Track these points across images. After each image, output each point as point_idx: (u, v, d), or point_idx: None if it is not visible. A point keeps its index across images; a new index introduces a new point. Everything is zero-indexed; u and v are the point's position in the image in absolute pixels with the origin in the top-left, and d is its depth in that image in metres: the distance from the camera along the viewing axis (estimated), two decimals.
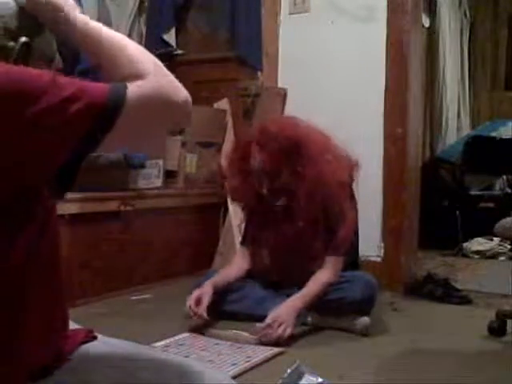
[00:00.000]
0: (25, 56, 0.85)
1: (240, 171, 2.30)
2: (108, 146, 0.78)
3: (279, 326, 2.02)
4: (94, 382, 0.85)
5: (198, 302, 2.12)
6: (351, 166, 2.26)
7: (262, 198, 2.27)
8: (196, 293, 2.15)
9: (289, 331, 2.04)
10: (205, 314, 2.11)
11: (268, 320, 2.04)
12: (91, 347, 0.92)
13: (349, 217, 2.19)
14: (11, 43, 0.84)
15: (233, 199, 2.54)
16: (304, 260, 2.25)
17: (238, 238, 2.75)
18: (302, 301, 2.14)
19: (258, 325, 2.05)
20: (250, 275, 2.38)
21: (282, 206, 2.25)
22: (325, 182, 2.13)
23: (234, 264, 2.39)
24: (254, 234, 2.41)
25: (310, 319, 2.26)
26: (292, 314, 2.08)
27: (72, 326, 0.96)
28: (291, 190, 2.19)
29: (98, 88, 0.77)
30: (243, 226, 2.53)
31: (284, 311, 2.08)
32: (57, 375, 0.86)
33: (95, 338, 0.96)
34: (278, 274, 2.36)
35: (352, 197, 2.29)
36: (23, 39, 0.85)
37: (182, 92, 0.82)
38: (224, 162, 2.49)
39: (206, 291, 2.16)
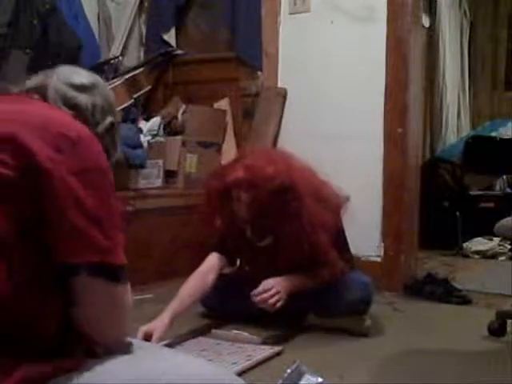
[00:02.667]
0: (107, 131, 1.03)
1: (222, 210, 2.21)
2: None
3: (274, 295, 2.07)
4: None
5: (148, 337, 1.86)
6: (339, 206, 2.21)
7: (245, 237, 2.21)
8: (144, 327, 1.89)
9: (279, 304, 2.08)
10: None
11: (267, 285, 2.08)
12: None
13: (333, 261, 2.15)
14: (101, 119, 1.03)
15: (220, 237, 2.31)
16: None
17: None
18: (298, 282, 2.15)
19: (257, 289, 2.08)
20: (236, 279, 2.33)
21: (264, 246, 2.21)
22: (312, 226, 2.07)
23: (198, 276, 2.18)
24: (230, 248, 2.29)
25: (310, 319, 2.26)
26: (286, 291, 2.11)
27: None
28: (276, 231, 2.15)
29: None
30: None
31: (281, 284, 2.11)
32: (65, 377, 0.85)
33: None
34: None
35: (339, 235, 2.23)
36: (112, 119, 1.04)
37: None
38: (204, 199, 2.25)
39: (158, 326, 1.91)
